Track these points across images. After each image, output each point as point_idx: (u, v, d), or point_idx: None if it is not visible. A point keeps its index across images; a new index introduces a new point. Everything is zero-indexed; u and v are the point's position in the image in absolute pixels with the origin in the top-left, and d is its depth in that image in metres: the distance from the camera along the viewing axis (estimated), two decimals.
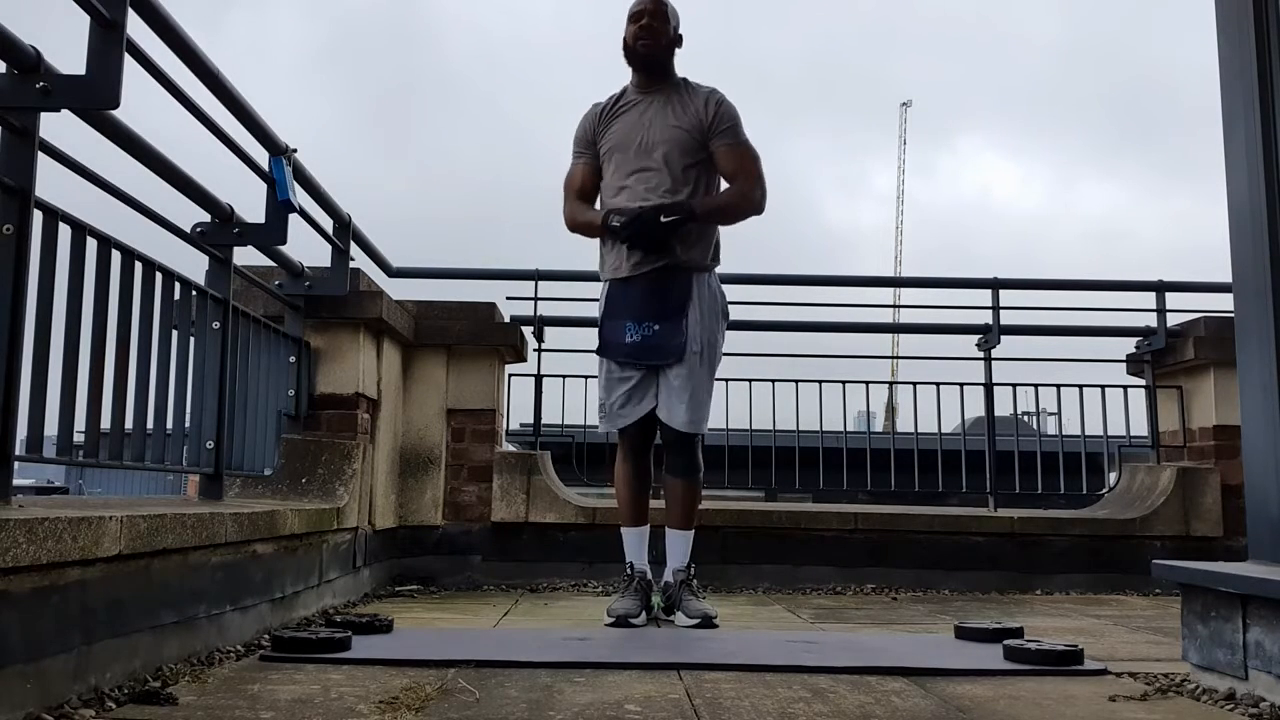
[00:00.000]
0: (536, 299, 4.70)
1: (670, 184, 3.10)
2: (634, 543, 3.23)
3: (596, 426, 3.38)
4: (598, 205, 3.28)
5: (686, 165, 3.12)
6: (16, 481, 1.86)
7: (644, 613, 3.06)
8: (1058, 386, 5.03)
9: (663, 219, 3.03)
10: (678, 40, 3.22)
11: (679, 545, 3.20)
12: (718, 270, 3.27)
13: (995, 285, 4.82)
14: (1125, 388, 4.98)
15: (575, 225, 3.28)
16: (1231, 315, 2.33)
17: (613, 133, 3.20)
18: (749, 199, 3.15)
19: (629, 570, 3.19)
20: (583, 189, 3.27)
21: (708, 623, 2.99)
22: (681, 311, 3.09)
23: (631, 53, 3.17)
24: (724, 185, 3.21)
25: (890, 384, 6.16)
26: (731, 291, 4.86)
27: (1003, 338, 4.79)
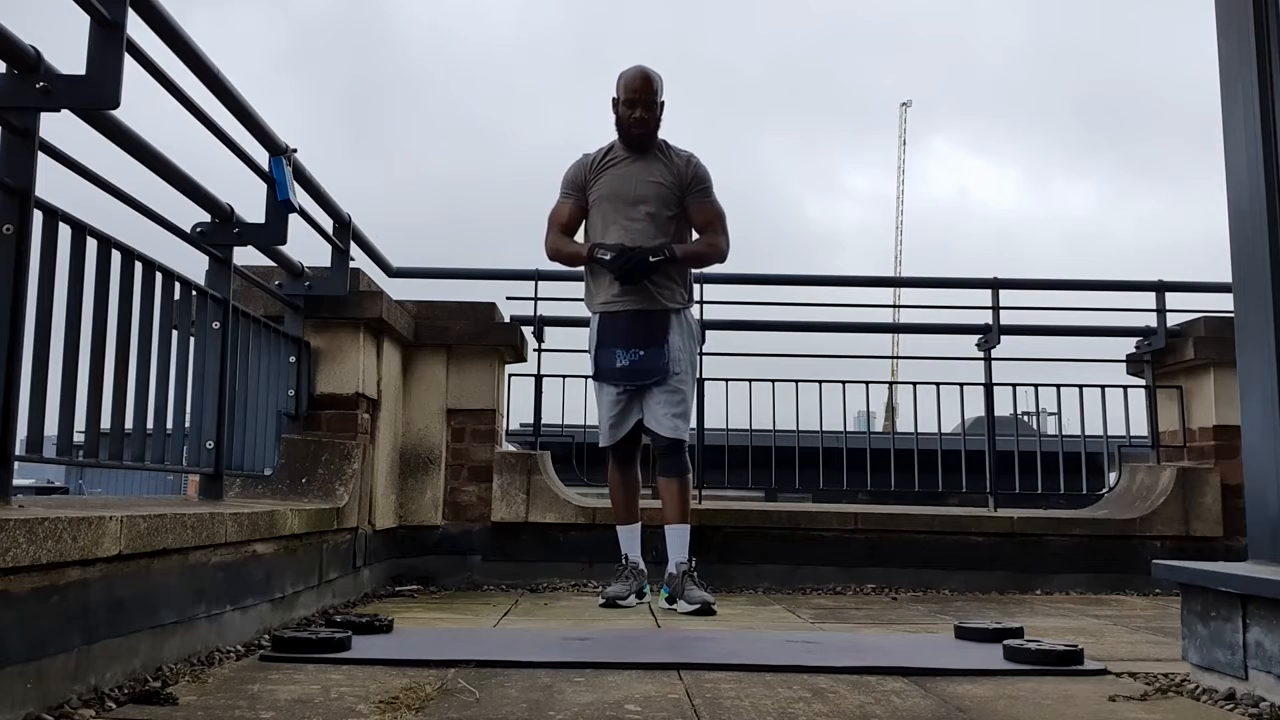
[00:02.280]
0: (536, 299, 4.70)
1: (654, 231, 3.56)
2: (628, 537, 3.70)
3: (597, 427, 3.64)
4: (579, 239, 3.72)
5: (668, 216, 3.60)
6: (16, 481, 1.86)
7: (634, 596, 3.52)
8: (1058, 386, 5.03)
9: (651, 259, 3.48)
10: (661, 111, 3.61)
11: (678, 540, 3.56)
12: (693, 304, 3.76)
13: (995, 285, 4.82)
14: (1125, 388, 4.98)
15: (558, 254, 3.72)
16: (1231, 315, 2.33)
17: (602, 183, 3.63)
18: (717, 248, 3.67)
19: (623, 561, 3.66)
20: (567, 224, 3.70)
21: (707, 609, 3.28)
22: (663, 339, 3.54)
23: (626, 134, 3.62)
24: (693, 234, 3.70)
25: (890, 384, 6.17)
26: (731, 292, 4.92)
27: (1003, 338, 4.78)
